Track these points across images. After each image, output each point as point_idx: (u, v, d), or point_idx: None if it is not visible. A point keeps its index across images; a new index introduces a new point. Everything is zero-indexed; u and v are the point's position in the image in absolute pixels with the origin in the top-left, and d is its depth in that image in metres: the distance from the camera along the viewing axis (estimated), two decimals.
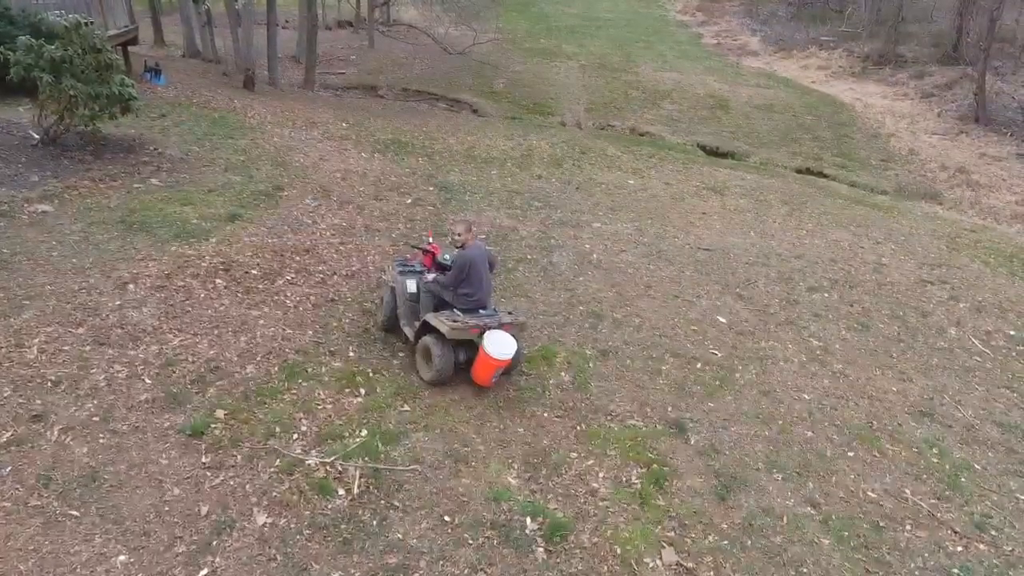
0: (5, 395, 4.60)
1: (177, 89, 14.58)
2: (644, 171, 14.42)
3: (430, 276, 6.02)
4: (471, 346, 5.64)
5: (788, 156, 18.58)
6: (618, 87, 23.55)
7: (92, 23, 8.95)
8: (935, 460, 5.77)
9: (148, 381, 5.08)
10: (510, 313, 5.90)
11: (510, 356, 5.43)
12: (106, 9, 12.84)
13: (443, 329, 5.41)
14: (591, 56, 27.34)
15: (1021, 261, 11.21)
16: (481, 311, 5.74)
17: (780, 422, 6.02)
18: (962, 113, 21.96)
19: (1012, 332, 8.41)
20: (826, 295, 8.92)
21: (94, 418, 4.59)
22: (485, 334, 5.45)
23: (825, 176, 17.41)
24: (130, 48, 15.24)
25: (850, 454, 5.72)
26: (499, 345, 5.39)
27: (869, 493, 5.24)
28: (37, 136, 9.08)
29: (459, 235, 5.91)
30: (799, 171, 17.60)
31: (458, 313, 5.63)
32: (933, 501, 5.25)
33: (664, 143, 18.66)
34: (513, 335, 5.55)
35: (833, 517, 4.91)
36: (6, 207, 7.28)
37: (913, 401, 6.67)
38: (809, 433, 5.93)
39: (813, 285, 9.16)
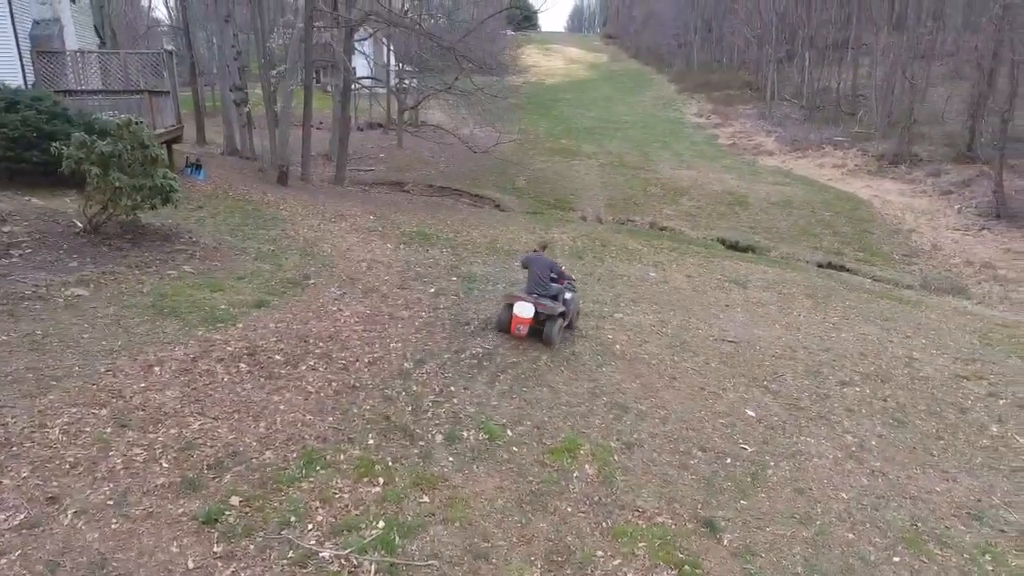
0: (23, 476, 4.54)
1: (215, 183, 15.31)
2: (665, 264, 14.54)
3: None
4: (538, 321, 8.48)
5: (809, 250, 18.69)
6: (637, 184, 24.23)
7: (142, 122, 9.57)
8: (989, 568, 5.36)
9: (165, 465, 4.99)
10: (554, 300, 8.50)
11: (522, 315, 8.28)
12: (156, 111, 13.77)
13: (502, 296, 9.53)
14: (610, 155, 28.36)
15: None
16: (532, 294, 8.53)
17: (818, 523, 5.69)
18: (982, 209, 22.12)
19: None
20: (858, 389, 8.66)
21: (109, 502, 4.48)
22: (516, 303, 8.39)
23: (847, 270, 17.40)
24: (174, 145, 16.19)
25: (895, 559, 5.35)
26: (520, 308, 8.30)
27: None
28: (80, 225, 9.49)
29: (534, 247, 9.68)
30: (821, 265, 17.64)
31: (521, 292, 8.78)
32: None
33: (684, 237, 18.93)
34: (545, 312, 8.34)
35: None
36: (43, 291, 7.50)
37: (959, 502, 6.29)
38: (850, 535, 5.58)
39: (844, 379, 8.92)
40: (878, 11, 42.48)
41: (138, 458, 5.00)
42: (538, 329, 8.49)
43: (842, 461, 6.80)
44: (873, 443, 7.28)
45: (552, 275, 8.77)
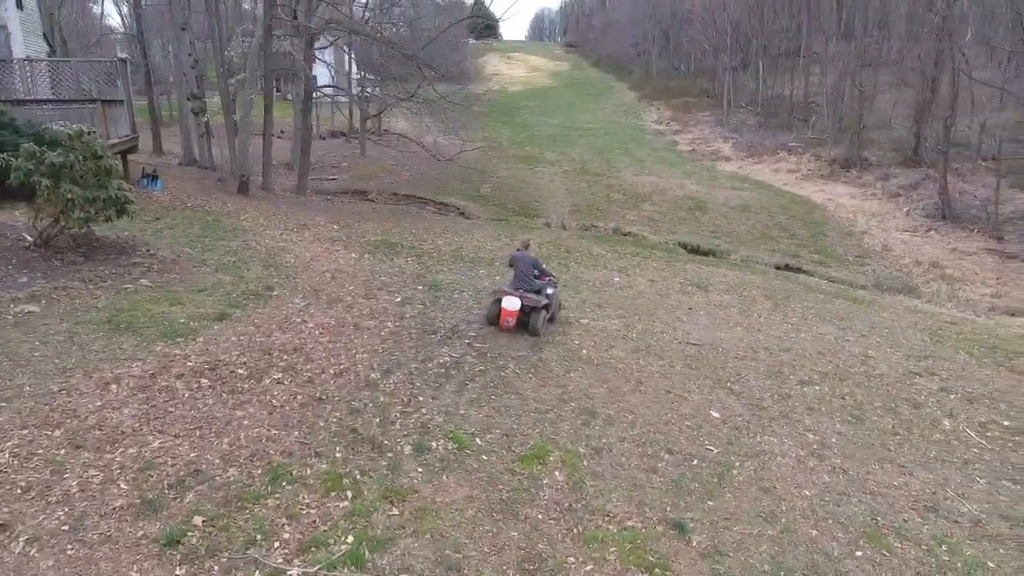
0: None
1: (173, 194, 14.94)
2: (629, 269, 14.72)
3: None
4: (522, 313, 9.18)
5: (767, 253, 19.13)
6: (600, 190, 24.49)
7: (94, 132, 9.29)
8: (946, 558, 5.55)
9: (123, 486, 4.84)
10: (537, 295, 9.19)
11: (510, 308, 9.01)
12: (109, 120, 13.39)
13: (490, 292, 10.11)
14: (573, 162, 28.60)
15: (1005, 352, 11.34)
16: (518, 290, 9.17)
17: (783, 520, 5.81)
18: (929, 211, 22.98)
19: (1007, 423, 8.36)
20: (817, 388, 8.89)
21: (63, 527, 4.32)
22: (504, 297, 9.11)
23: (804, 272, 17.87)
24: (130, 156, 15.76)
25: (858, 553, 5.49)
26: (508, 302, 9.03)
27: None
28: (30, 238, 9.16)
29: (518, 246, 10.17)
30: (779, 267, 18.09)
31: (507, 288, 9.40)
32: None
33: (647, 242, 19.19)
34: (529, 305, 9.04)
35: None
36: None
37: (916, 495, 6.50)
38: (814, 532, 5.72)
39: (804, 379, 9.15)
40: (827, 21, 43.92)
41: (94, 480, 4.84)
42: (524, 321, 9.22)
43: (804, 459, 6.97)
44: (833, 440, 7.48)
45: (535, 271, 9.45)
